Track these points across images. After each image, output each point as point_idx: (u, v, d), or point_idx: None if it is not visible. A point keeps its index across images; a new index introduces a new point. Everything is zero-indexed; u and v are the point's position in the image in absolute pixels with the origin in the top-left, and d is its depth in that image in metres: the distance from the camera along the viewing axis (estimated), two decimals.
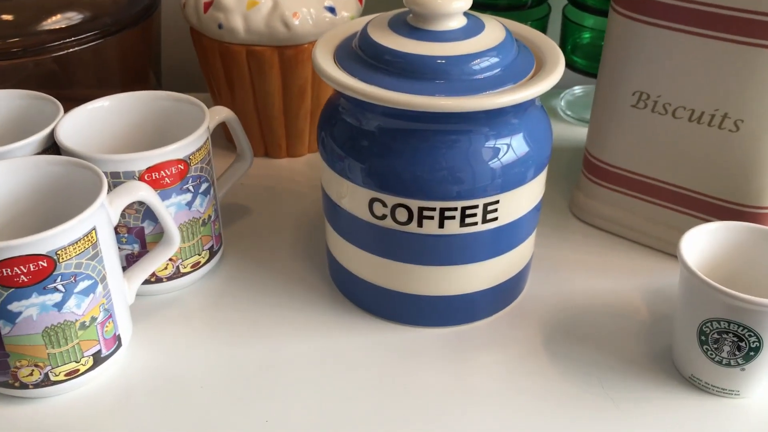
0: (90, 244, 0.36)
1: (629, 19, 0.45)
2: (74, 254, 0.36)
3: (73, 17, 0.50)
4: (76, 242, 0.36)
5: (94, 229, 0.37)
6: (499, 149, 0.39)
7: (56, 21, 0.49)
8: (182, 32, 0.59)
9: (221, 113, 0.47)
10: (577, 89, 0.69)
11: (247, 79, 0.56)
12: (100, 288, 0.38)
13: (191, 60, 0.62)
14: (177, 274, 0.45)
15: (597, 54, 0.63)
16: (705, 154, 0.45)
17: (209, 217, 0.46)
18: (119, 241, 0.43)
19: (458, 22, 0.40)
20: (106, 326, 0.39)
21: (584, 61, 0.63)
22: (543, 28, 0.65)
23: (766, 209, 0.45)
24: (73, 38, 0.49)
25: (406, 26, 0.40)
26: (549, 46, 0.42)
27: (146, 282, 0.45)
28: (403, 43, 0.39)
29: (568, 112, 0.66)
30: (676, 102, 0.45)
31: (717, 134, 0.44)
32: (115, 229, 0.42)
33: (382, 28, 0.40)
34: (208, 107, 0.46)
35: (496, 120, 0.38)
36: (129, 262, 0.44)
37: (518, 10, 0.62)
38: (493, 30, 0.40)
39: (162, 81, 0.62)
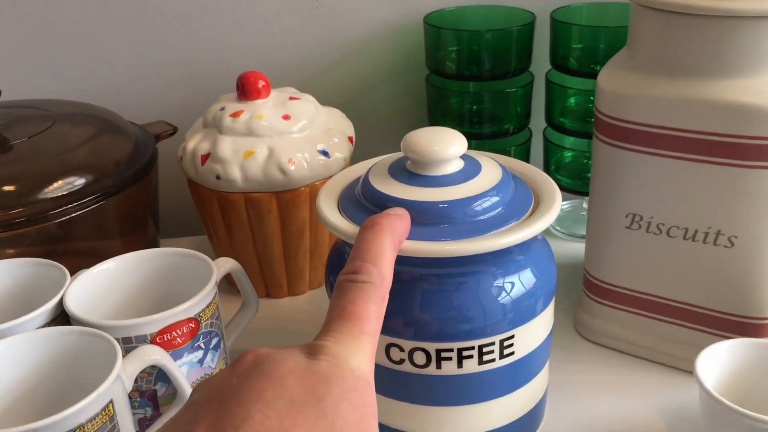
0: (107, 417, 0.36)
1: (612, 147, 0.46)
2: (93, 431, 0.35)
3: (74, 182, 0.50)
4: (94, 418, 0.35)
5: (111, 402, 0.36)
6: (507, 286, 0.39)
7: (58, 188, 0.49)
8: (177, 178, 0.61)
9: (226, 265, 0.48)
10: (565, 205, 0.71)
11: (246, 224, 0.56)
12: None
13: (187, 202, 0.63)
14: None
15: (579, 171, 0.65)
16: (703, 270, 0.46)
17: (220, 370, 0.45)
18: (131, 406, 0.42)
19: (456, 166, 0.41)
20: None
21: (568, 179, 0.65)
22: (526, 151, 0.67)
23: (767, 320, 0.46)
24: (75, 203, 0.49)
25: (406, 173, 0.41)
26: (542, 178, 0.43)
27: None
28: (405, 190, 0.40)
29: (558, 228, 0.68)
30: (669, 222, 0.46)
31: (713, 251, 0.45)
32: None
33: (383, 176, 0.41)
34: (206, 251, 0.46)
35: (502, 259, 0.39)
36: (141, 427, 0.43)
37: (502, 137, 0.64)
38: (490, 169, 0.41)
39: (159, 226, 0.62)
